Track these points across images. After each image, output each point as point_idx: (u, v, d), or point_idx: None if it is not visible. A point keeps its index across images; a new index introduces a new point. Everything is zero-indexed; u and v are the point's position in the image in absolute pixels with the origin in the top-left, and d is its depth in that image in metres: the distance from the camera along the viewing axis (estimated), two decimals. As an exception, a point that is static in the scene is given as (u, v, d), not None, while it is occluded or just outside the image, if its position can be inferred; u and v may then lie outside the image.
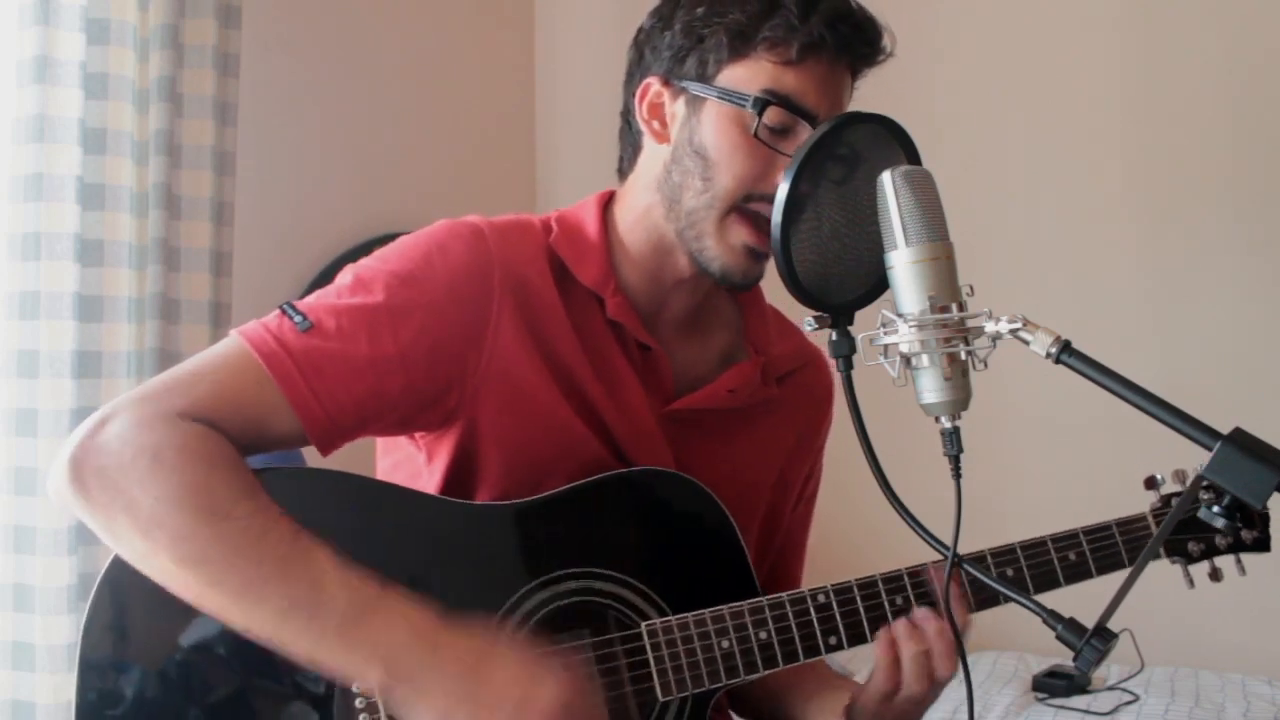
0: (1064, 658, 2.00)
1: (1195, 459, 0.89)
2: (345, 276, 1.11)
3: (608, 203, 1.23)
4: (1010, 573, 1.16)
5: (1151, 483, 1.23)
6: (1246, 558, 1.23)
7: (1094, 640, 0.87)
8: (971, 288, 0.92)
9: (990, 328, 0.90)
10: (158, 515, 0.95)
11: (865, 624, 1.13)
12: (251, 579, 0.95)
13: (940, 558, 0.96)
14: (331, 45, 2.74)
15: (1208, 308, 2.62)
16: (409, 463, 1.19)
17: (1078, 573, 1.18)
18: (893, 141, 1.00)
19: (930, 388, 0.92)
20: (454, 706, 0.95)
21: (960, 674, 1.07)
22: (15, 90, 1.87)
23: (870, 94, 1.17)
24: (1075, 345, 0.88)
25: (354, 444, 1.09)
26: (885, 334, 0.93)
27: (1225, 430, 0.84)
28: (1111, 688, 2.33)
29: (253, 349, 1.03)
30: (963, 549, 0.97)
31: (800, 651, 1.11)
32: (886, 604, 1.13)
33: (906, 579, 1.14)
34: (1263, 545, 1.22)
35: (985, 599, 1.14)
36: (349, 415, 1.05)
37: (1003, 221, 2.77)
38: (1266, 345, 2.56)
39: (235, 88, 2.20)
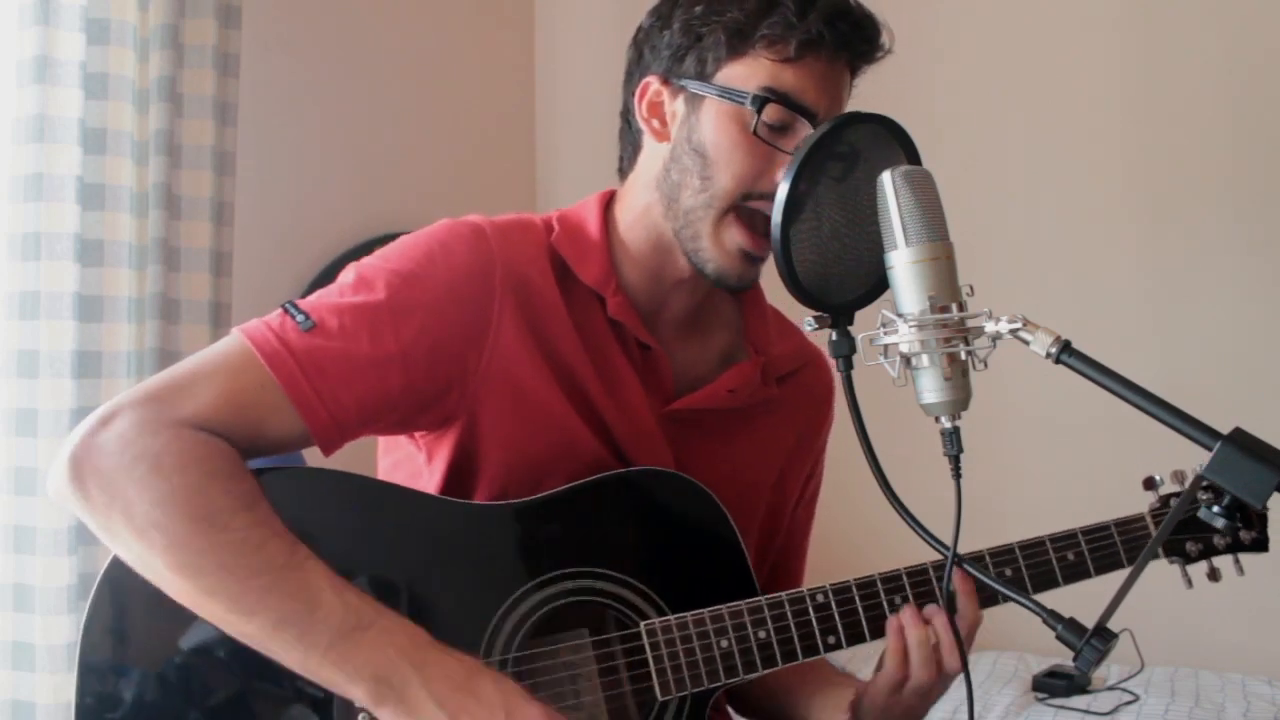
0: (1064, 658, 2.00)
1: (1195, 459, 0.89)
2: (347, 275, 1.11)
3: (609, 202, 1.23)
4: (1009, 573, 1.16)
5: (1150, 483, 1.23)
6: (1245, 558, 1.23)
7: (1094, 640, 0.87)
8: (971, 288, 0.93)
9: (990, 328, 0.90)
10: (154, 520, 0.95)
11: (864, 624, 1.13)
12: (245, 591, 0.95)
13: (940, 557, 0.96)
14: (331, 45, 2.74)
15: (1208, 308, 2.62)
16: (409, 462, 1.19)
17: (1076, 573, 1.18)
18: (893, 141, 1.00)
19: (930, 388, 0.92)
20: None
21: (961, 674, 1.07)
22: (15, 90, 1.87)
23: (870, 94, 1.17)
24: (1075, 345, 0.88)
25: (354, 444, 1.09)
26: (885, 334, 0.93)
27: (1225, 430, 0.84)
28: (1111, 688, 2.33)
29: (255, 349, 1.03)
30: (962, 549, 0.97)
31: (799, 651, 1.11)
32: (885, 604, 1.13)
33: (905, 579, 1.14)
34: (1261, 545, 1.22)
35: (985, 598, 1.14)
36: (351, 414, 1.05)
37: (1003, 221, 2.77)
38: (1266, 345, 2.56)
39: (235, 88, 2.20)
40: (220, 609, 0.96)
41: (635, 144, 1.22)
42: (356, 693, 0.96)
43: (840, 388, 1.00)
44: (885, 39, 1.14)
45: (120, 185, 1.96)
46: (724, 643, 1.10)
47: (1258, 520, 1.22)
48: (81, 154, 1.89)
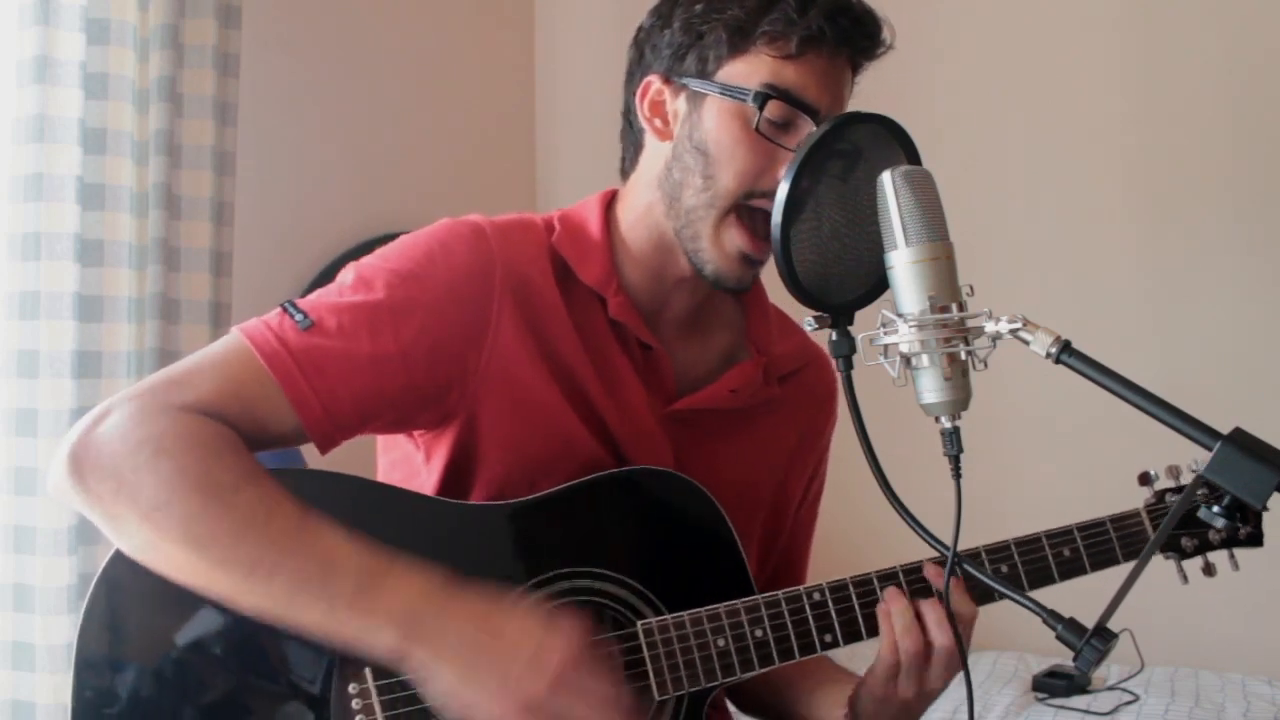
0: (1064, 658, 2.00)
1: (1195, 459, 0.89)
2: (347, 274, 1.11)
3: (610, 202, 1.23)
4: (1005, 569, 1.15)
5: (1145, 479, 1.23)
6: (1246, 559, 1.23)
7: (1094, 640, 0.87)
8: (971, 288, 0.92)
9: (990, 328, 0.90)
10: (161, 501, 0.95)
11: (861, 621, 1.12)
12: (261, 556, 0.95)
13: (939, 557, 0.96)
14: (331, 45, 2.74)
15: (1208, 308, 2.62)
16: (407, 461, 1.19)
17: (1072, 569, 1.18)
18: (893, 141, 1.00)
19: (930, 388, 0.92)
20: (471, 660, 0.96)
21: (961, 675, 1.06)
22: (15, 90, 1.87)
23: (870, 93, 1.17)
24: (1075, 345, 0.88)
25: (354, 444, 1.09)
26: (885, 334, 0.93)
27: (1225, 430, 0.84)
28: (1111, 688, 2.33)
29: (253, 347, 1.03)
30: (961, 548, 0.97)
31: (796, 649, 1.11)
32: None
33: (902, 576, 1.14)
34: (1256, 540, 1.22)
35: (981, 595, 1.14)
36: (349, 413, 1.05)
37: (1003, 221, 2.77)
38: (1266, 345, 2.56)
39: (235, 88, 2.20)
40: (237, 577, 0.96)
41: (637, 143, 1.22)
42: (383, 642, 0.96)
43: (841, 388, 1.00)
44: (886, 35, 1.13)
45: (120, 185, 1.96)
46: (721, 642, 1.10)
47: (1253, 516, 1.22)
48: (81, 154, 1.89)
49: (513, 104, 3.29)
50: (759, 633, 1.11)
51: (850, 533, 2.17)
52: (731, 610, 1.11)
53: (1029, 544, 1.17)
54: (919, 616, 1.08)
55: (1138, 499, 1.23)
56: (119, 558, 1.01)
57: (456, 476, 1.14)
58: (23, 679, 1.83)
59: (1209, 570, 1.21)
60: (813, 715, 1.25)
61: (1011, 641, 2.56)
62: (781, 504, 1.30)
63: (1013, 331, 0.89)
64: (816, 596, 1.12)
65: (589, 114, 2.69)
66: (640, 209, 1.19)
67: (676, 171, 1.14)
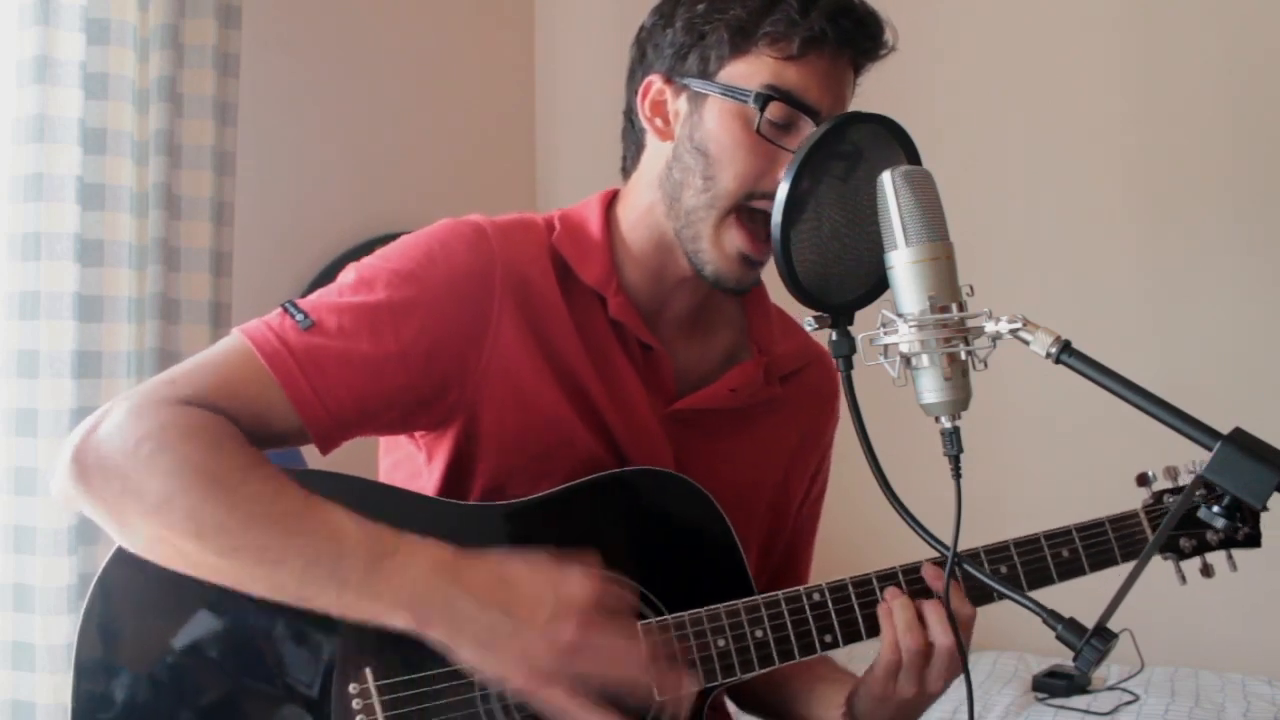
0: (1064, 658, 2.00)
1: (1194, 459, 0.89)
2: (347, 274, 1.11)
3: (611, 201, 1.23)
4: (1004, 570, 1.15)
5: (1144, 479, 1.23)
6: (1246, 559, 1.23)
7: (1094, 640, 0.87)
8: (971, 288, 0.92)
9: (990, 328, 0.90)
10: (168, 493, 0.95)
11: (860, 622, 1.12)
12: (271, 539, 0.95)
13: (939, 557, 0.96)
14: (331, 45, 2.74)
15: (1208, 308, 2.62)
16: (409, 462, 1.19)
17: (1071, 569, 1.18)
18: (893, 141, 1.00)
19: (930, 388, 0.92)
20: (487, 639, 0.96)
21: (961, 675, 1.06)
22: (15, 90, 1.87)
23: (870, 94, 1.17)
24: (1075, 345, 0.88)
25: (354, 445, 1.10)
26: (885, 334, 0.93)
27: (1225, 430, 0.84)
28: (1111, 688, 2.33)
29: (254, 347, 1.03)
30: (961, 548, 0.97)
31: (796, 650, 1.11)
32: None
33: (901, 577, 1.14)
34: (1253, 541, 1.22)
35: (980, 595, 1.14)
36: (350, 413, 1.05)
37: (1003, 221, 2.77)
38: (1266, 345, 2.56)
39: (235, 88, 2.20)
40: (247, 564, 0.96)
41: (638, 143, 1.21)
42: (399, 619, 0.96)
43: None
44: (888, 36, 1.13)
45: (120, 185, 1.96)
46: (721, 642, 1.10)
47: (1250, 516, 1.22)
48: (81, 154, 1.89)
49: (513, 104, 3.29)
50: (759, 633, 1.11)
51: (850, 533, 2.17)
52: (731, 611, 1.11)
53: (1028, 544, 1.17)
54: (920, 616, 1.08)
55: (1137, 499, 1.23)
56: (119, 558, 1.01)
57: (457, 476, 1.14)
58: (23, 679, 1.83)
59: (1206, 571, 1.21)
60: (811, 714, 1.25)
61: (1011, 641, 2.56)
62: (782, 504, 1.30)
63: (1013, 331, 0.89)
64: (816, 597, 1.12)
65: (589, 114, 2.69)
66: (641, 209, 1.19)
67: (677, 172, 1.14)
